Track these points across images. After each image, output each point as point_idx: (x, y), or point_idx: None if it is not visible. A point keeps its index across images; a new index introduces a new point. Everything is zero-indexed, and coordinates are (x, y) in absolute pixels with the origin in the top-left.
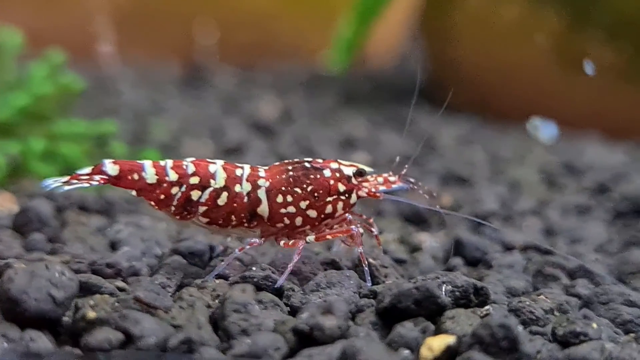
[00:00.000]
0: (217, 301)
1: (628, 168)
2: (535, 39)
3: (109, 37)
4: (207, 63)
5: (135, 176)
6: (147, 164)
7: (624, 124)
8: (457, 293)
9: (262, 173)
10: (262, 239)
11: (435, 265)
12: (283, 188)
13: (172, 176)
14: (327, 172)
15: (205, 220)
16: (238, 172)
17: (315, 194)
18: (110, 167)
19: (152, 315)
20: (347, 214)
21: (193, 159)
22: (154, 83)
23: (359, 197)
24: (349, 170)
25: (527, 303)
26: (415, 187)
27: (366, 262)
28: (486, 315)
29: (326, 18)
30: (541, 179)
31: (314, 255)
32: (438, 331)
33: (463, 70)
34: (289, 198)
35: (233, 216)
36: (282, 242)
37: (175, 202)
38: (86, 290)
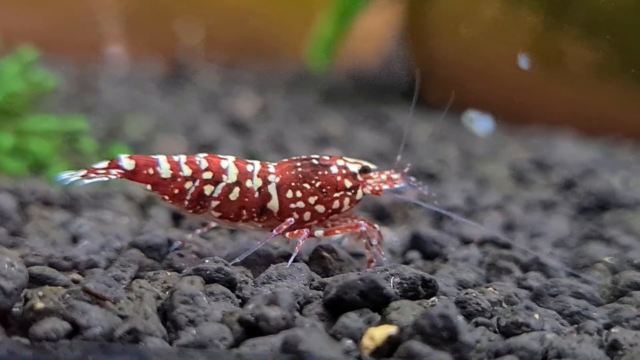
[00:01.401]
0: (167, 293)
1: (598, 165)
2: (512, 37)
3: (93, 36)
4: (191, 61)
5: (151, 171)
6: (162, 159)
7: (599, 121)
8: (405, 285)
9: (271, 169)
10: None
11: (391, 259)
12: (293, 184)
13: (186, 171)
14: (334, 169)
15: (217, 214)
16: (249, 168)
17: (324, 190)
18: (127, 162)
19: (101, 306)
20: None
21: (205, 155)
22: (135, 81)
23: (364, 193)
24: (354, 167)
25: (474, 295)
26: (416, 185)
27: (371, 251)
28: (432, 306)
29: (311, 16)
30: (510, 175)
31: (271, 248)
32: (383, 322)
33: (441, 68)
34: (299, 193)
35: (244, 211)
36: (287, 234)
37: (189, 197)
38: (39, 282)
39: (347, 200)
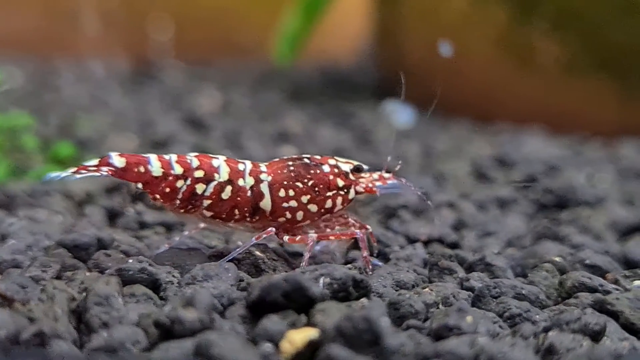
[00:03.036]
0: (83, 294)
1: (563, 162)
2: (480, 32)
3: (62, 33)
4: (160, 59)
5: (142, 169)
6: (153, 157)
7: (568, 118)
8: (335, 286)
9: (263, 168)
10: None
11: (333, 259)
12: (285, 182)
13: (178, 169)
14: (326, 168)
15: (209, 214)
16: (240, 166)
17: (316, 189)
18: (117, 160)
19: (10, 308)
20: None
21: (196, 153)
22: (99, 79)
23: (356, 192)
24: (346, 167)
25: (407, 296)
26: (407, 184)
27: (366, 257)
28: (361, 308)
29: (283, 13)
30: (471, 172)
31: (205, 247)
32: (308, 324)
33: (410, 64)
34: (291, 192)
35: (236, 210)
36: (286, 238)
37: (180, 196)
38: None
39: (339, 200)
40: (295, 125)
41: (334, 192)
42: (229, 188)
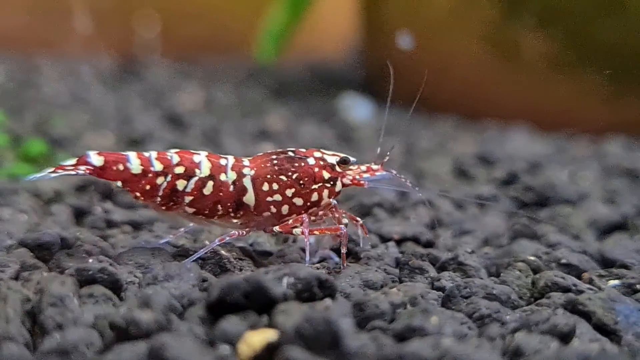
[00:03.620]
0: (39, 295)
1: (547, 159)
2: (466, 29)
3: (45, 31)
4: (146, 56)
5: (120, 167)
6: (132, 155)
7: (555, 115)
8: (299, 286)
9: (246, 162)
10: (247, 229)
11: (302, 258)
12: (268, 176)
13: (157, 166)
14: (311, 160)
15: (191, 210)
16: (222, 161)
17: (301, 182)
18: (95, 158)
19: None
20: (332, 202)
21: (177, 150)
22: (81, 76)
23: (343, 185)
24: (332, 159)
25: (373, 297)
26: (397, 175)
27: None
28: (325, 309)
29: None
30: (452, 170)
31: (170, 246)
32: (270, 325)
33: (396, 62)
34: (275, 186)
35: (219, 206)
36: (275, 228)
37: (161, 193)
38: None
39: (326, 192)
40: (276, 123)
41: (320, 184)
42: (210, 183)
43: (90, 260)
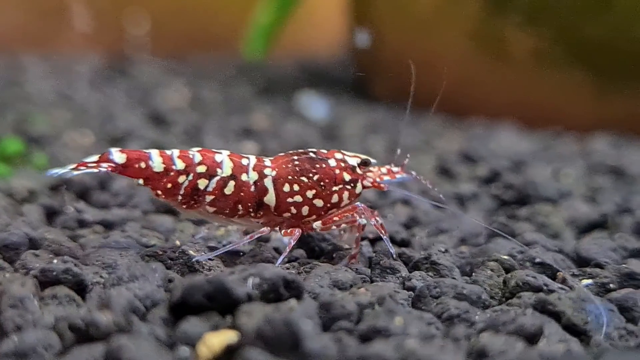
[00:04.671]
0: None
1: (532, 157)
2: (454, 26)
3: (34, 29)
4: (135, 54)
5: (143, 165)
6: (154, 152)
7: (542, 112)
8: (265, 286)
9: (267, 163)
10: (268, 229)
11: (274, 258)
12: (290, 177)
13: (179, 165)
14: (332, 162)
15: (212, 209)
16: (244, 161)
17: (322, 183)
18: (117, 156)
19: None
20: (356, 204)
21: (199, 148)
22: (68, 74)
23: (364, 187)
24: (353, 160)
25: (340, 297)
26: (418, 178)
27: (358, 247)
28: (289, 310)
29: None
30: (435, 168)
31: (140, 246)
32: (233, 327)
33: (386, 59)
34: (296, 187)
35: (240, 205)
36: (282, 231)
37: (182, 191)
38: None
39: (346, 194)
40: (261, 121)
41: (341, 186)
42: (232, 183)
43: (55, 261)
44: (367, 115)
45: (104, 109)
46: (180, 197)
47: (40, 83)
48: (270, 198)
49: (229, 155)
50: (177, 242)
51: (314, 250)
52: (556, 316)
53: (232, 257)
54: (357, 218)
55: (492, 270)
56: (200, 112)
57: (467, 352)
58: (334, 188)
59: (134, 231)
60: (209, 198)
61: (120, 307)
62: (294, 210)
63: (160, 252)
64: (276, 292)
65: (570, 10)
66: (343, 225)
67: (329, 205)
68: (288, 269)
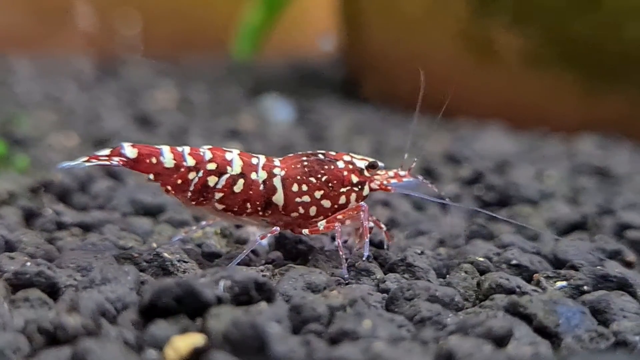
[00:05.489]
0: None
1: (516, 158)
2: (441, 26)
3: (25, 30)
4: (126, 55)
5: (154, 160)
6: (165, 149)
7: (530, 112)
8: (236, 289)
9: (277, 162)
10: (278, 228)
11: (252, 260)
12: (298, 177)
13: (190, 161)
14: (340, 164)
15: (220, 207)
16: (254, 160)
17: (330, 184)
18: (129, 150)
19: None
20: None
21: (209, 146)
22: (58, 75)
23: (371, 189)
24: (361, 163)
25: (310, 300)
26: (424, 182)
27: (362, 243)
28: (259, 313)
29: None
30: (419, 169)
31: (117, 248)
32: (202, 330)
33: (374, 59)
34: (304, 187)
35: (248, 204)
36: (305, 231)
37: (192, 188)
38: None
39: (353, 196)
40: (247, 122)
41: (348, 188)
42: (241, 181)
43: (29, 264)
44: (354, 116)
45: (91, 110)
46: (189, 194)
47: (28, 84)
48: (278, 197)
49: (239, 154)
50: (154, 245)
51: (291, 252)
52: (527, 318)
53: (208, 259)
54: (362, 217)
55: (466, 272)
56: (187, 113)
57: (435, 355)
58: (342, 189)
59: (112, 233)
60: (218, 195)
61: (88, 310)
62: (301, 210)
63: (136, 255)
64: (247, 295)
65: (557, 10)
66: (347, 222)
67: (336, 206)
68: (263, 271)
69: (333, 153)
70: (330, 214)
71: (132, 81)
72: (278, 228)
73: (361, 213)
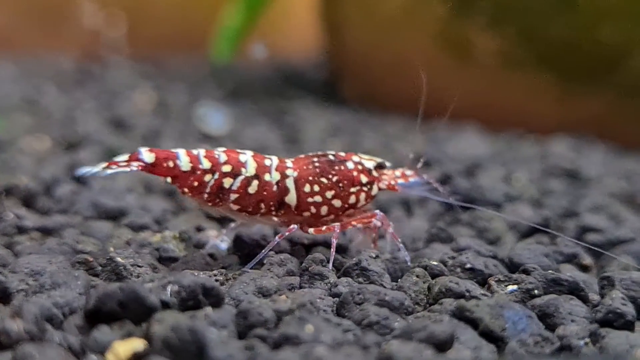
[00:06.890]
0: None
1: (488, 160)
2: (419, 27)
3: (8, 30)
4: (110, 56)
5: (171, 164)
6: (182, 152)
7: (506, 114)
8: (183, 294)
9: (289, 164)
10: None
11: (208, 264)
12: (310, 178)
13: (206, 164)
14: (350, 164)
15: (235, 207)
16: (267, 162)
17: (340, 184)
18: (147, 155)
19: None
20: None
21: (224, 149)
22: (38, 77)
23: (379, 189)
24: (369, 163)
25: (257, 304)
26: (430, 181)
27: (399, 240)
28: (204, 318)
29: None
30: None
31: (74, 252)
32: (144, 335)
33: (354, 62)
34: (316, 187)
35: (262, 204)
36: (311, 230)
37: (208, 190)
38: None
39: (363, 196)
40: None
41: (358, 188)
42: (255, 182)
43: None
44: (330, 118)
45: (67, 113)
46: (206, 195)
47: (8, 86)
48: (291, 198)
49: (252, 156)
50: (111, 249)
51: (249, 256)
52: (473, 323)
53: (165, 264)
54: (374, 222)
55: (417, 276)
56: (162, 116)
57: None
58: (352, 189)
59: (71, 237)
60: (233, 196)
61: (31, 315)
62: (313, 210)
63: (91, 259)
64: (195, 300)
65: (534, 12)
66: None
67: (346, 205)
68: (216, 275)
69: (342, 154)
70: (340, 213)
71: (113, 83)
72: (296, 226)
73: (374, 220)
